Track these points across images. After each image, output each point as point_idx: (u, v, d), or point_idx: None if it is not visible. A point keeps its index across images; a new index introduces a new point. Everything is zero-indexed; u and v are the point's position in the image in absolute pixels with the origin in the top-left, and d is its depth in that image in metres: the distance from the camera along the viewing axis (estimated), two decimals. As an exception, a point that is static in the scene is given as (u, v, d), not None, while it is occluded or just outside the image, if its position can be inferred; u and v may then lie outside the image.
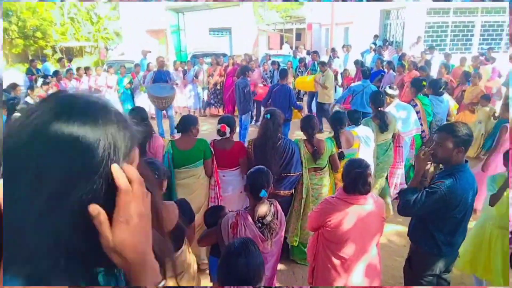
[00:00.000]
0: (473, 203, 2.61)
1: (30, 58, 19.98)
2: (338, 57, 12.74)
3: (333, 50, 13.32)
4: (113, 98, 10.15)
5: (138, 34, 20.81)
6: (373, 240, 2.66)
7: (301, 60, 11.91)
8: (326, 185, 4.01)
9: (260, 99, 8.99)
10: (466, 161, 2.58)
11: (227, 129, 3.89)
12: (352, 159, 2.78)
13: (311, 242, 2.85)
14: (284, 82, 7.25)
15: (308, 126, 3.93)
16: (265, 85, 9.87)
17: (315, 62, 10.72)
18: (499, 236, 3.15)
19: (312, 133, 3.91)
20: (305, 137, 3.99)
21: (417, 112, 5.31)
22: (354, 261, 2.60)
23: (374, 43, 14.47)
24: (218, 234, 2.59)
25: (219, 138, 3.99)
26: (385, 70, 9.87)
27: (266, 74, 11.16)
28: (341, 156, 4.03)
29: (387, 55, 12.63)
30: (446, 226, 2.55)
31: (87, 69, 10.42)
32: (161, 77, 8.52)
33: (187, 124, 3.85)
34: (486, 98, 6.93)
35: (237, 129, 7.99)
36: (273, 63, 11.50)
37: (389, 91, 5.36)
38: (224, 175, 3.99)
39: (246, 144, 4.14)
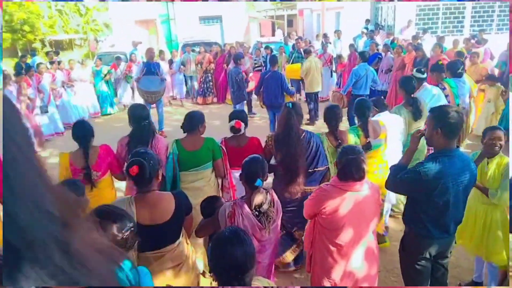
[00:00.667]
0: (465, 189, 2.55)
1: (20, 53, 19.71)
2: (330, 43, 12.68)
3: (325, 35, 13.25)
4: (88, 91, 10.30)
5: (128, 25, 20.59)
6: (369, 226, 2.68)
7: (294, 46, 11.79)
8: None
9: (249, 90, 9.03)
10: (457, 147, 2.57)
11: (242, 125, 3.61)
12: (346, 146, 2.77)
13: (308, 230, 2.87)
14: (275, 69, 7.27)
15: (331, 117, 3.71)
16: (257, 71, 9.85)
17: (300, 49, 10.65)
18: (482, 211, 3.27)
19: (336, 124, 3.70)
20: (327, 129, 3.77)
21: (445, 96, 5.12)
22: (351, 247, 2.62)
23: (366, 28, 14.40)
24: (215, 224, 2.59)
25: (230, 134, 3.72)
26: (382, 53, 9.93)
27: (259, 59, 11.13)
28: (368, 147, 3.74)
29: (379, 40, 12.60)
30: (430, 208, 2.55)
31: (59, 62, 10.30)
32: (150, 69, 8.22)
33: (194, 122, 3.51)
34: (492, 77, 6.94)
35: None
36: (266, 47, 11.55)
37: (417, 74, 5.04)
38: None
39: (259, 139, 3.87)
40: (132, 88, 11.08)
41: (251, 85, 8.89)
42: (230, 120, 3.65)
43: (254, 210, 2.51)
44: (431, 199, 2.50)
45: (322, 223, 2.65)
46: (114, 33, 22.43)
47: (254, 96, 9.02)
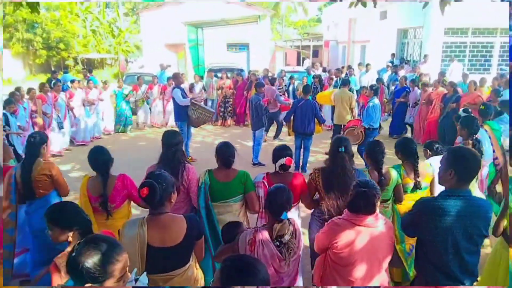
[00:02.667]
0: (471, 236, 2.38)
1: (53, 68, 20.51)
2: (354, 75, 12.78)
3: (349, 67, 13.37)
4: (107, 111, 10.65)
5: (158, 47, 21.24)
6: (382, 263, 2.61)
7: (316, 76, 12.04)
8: (389, 217, 3.63)
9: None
10: (468, 190, 2.41)
11: (293, 163, 3.55)
12: (360, 180, 2.74)
13: (318, 264, 2.82)
14: (307, 97, 7.51)
15: (376, 152, 3.63)
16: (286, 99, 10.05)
17: (338, 78, 10.96)
18: (503, 254, 3.13)
19: (381, 160, 3.60)
20: (371, 165, 3.68)
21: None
22: (362, 284, 2.56)
23: (391, 62, 14.46)
24: (235, 250, 2.58)
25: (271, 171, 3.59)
26: (410, 87, 10.19)
27: (281, 87, 11.45)
28: (417, 186, 3.64)
29: (402, 74, 12.64)
30: (435, 252, 2.43)
31: (88, 81, 10.65)
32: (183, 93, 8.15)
33: (230, 156, 3.47)
34: None
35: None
36: (291, 77, 11.80)
37: (463, 114, 4.95)
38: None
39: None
40: (151, 109, 11.66)
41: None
42: (275, 156, 3.51)
43: (275, 240, 2.48)
44: (432, 241, 2.42)
45: (333, 258, 2.60)
46: (144, 55, 23.16)
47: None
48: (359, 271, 2.53)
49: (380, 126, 9.68)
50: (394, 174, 3.60)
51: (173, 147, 3.51)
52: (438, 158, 3.85)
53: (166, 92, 11.36)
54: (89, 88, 10.23)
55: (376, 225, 2.54)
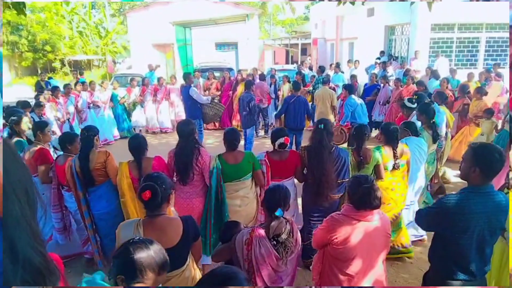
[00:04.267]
0: (493, 232, 2.44)
1: (39, 71, 20.24)
2: (343, 72, 12.83)
3: (337, 65, 13.42)
4: (106, 115, 10.20)
5: (145, 48, 21.11)
6: (379, 257, 2.65)
7: (299, 73, 11.81)
8: None
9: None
10: (490, 185, 2.42)
11: (289, 141, 4.09)
12: (357, 175, 2.77)
13: (316, 260, 2.84)
14: (298, 94, 7.73)
15: (358, 136, 4.14)
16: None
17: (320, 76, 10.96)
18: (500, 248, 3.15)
19: (362, 143, 4.11)
20: (354, 145, 4.18)
21: None
22: (361, 278, 2.59)
23: (379, 58, 14.56)
24: (232, 250, 2.58)
25: (271, 150, 4.15)
26: (381, 84, 10.01)
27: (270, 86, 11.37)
28: (396, 166, 4.20)
29: (391, 70, 12.72)
30: (453, 246, 2.46)
31: (83, 83, 10.35)
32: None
33: (235, 140, 3.96)
34: (489, 112, 7.10)
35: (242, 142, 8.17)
36: (285, 76, 11.72)
37: (408, 104, 5.80)
38: None
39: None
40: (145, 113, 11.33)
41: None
42: (274, 137, 4.07)
43: (272, 239, 2.49)
44: (453, 236, 2.42)
45: (332, 254, 2.63)
46: (132, 55, 23.01)
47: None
48: (358, 265, 2.57)
49: (373, 122, 9.84)
50: (375, 154, 4.07)
51: (187, 134, 3.85)
52: (414, 139, 4.52)
53: (157, 93, 11.14)
54: (85, 91, 10.01)
55: (373, 219, 2.58)
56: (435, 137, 4.92)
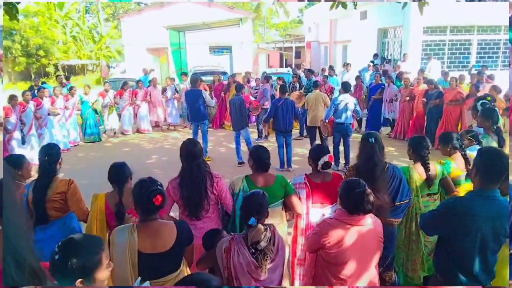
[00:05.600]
0: (497, 237, 2.38)
1: (33, 76, 20.16)
2: (336, 75, 12.92)
3: (331, 67, 13.49)
4: (70, 120, 10.06)
5: (140, 52, 21.10)
6: (372, 260, 2.65)
7: (295, 75, 12.10)
8: None
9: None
10: (496, 190, 2.38)
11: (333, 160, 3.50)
12: (348, 180, 2.76)
13: (309, 264, 2.84)
14: (285, 97, 7.82)
15: (421, 147, 3.57)
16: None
17: (310, 80, 11.01)
18: None
19: (426, 154, 3.55)
20: (416, 160, 3.61)
21: None
22: (354, 282, 2.59)
23: (372, 61, 14.66)
24: (213, 258, 2.55)
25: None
26: (386, 83, 10.35)
27: (259, 88, 11.46)
28: (466, 177, 3.72)
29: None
30: (456, 250, 2.44)
31: (54, 89, 10.12)
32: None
33: (266, 159, 3.38)
34: (508, 109, 7.09)
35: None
36: (278, 79, 11.80)
37: (480, 107, 5.21)
38: (324, 213, 3.33)
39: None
40: (119, 115, 11.45)
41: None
42: (315, 155, 3.41)
43: (251, 247, 2.43)
44: (456, 238, 2.41)
45: (325, 258, 2.62)
46: (126, 60, 22.98)
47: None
48: (351, 269, 2.56)
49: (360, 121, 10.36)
50: (438, 168, 3.61)
51: (197, 157, 3.26)
52: (477, 147, 3.97)
53: (137, 96, 11.36)
54: (72, 96, 10.04)
55: (366, 223, 2.57)
56: (501, 142, 4.46)
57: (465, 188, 3.61)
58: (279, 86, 9.42)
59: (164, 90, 12.03)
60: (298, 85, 11.60)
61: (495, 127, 4.52)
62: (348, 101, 7.57)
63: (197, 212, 3.19)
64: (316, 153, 3.44)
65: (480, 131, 4.88)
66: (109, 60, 29.47)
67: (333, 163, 3.60)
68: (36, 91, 9.87)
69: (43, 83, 13.90)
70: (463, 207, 2.36)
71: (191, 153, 3.24)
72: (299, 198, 3.37)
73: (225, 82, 12.05)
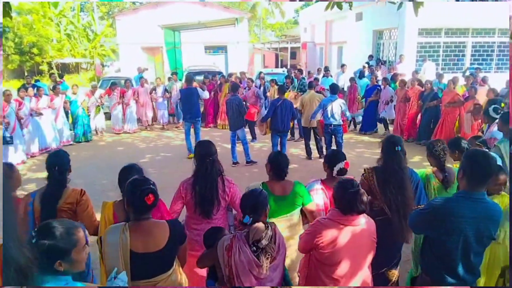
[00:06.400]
0: (480, 238, 2.40)
1: (26, 74, 20.01)
2: (331, 76, 12.96)
3: (326, 68, 13.53)
4: (56, 120, 9.84)
5: (134, 51, 21.01)
6: (365, 260, 2.66)
7: (288, 76, 12.10)
8: None
9: (251, 118, 9.52)
10: (482, 192, 2.39)
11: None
12: (341, 180, 2.76)
13: (302, 264, 2.83)
14: (284, 97, 7.87)
15: (438, 150, 3.54)
16: (253, 106, 10.25)
17: (299, 80, 11.08)
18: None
19: (444, 158, 3.54)
20: (433, 165, 3.59)
21: None
22: (347, 282, 2.59)
23: (368, 63, 14.71)
24: (214, 256, 2.54)
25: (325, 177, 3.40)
26: (381, 85, 10.50)
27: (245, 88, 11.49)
28: None
29: (380, 75, 12.91)
30: (440, 249, 2.47)
31: (38, 88, 9.94)
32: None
33: (285, 167, 3.28)
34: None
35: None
36: (271, 80, 11.90)
37: (493, 114, 5.10)
38: None
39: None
40: (106, 114, 11.44)
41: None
42: (331, 161, 3.36)
43: (252, 245, 2.43)
44: (440, 238, 2.43)
45: (319, 258, 2.61)
46: (120, 58, 22.88)
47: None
48: (344, 269, 2.56)
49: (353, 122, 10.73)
50: (455, 171, 3.47)
51: (209, 158, 3.22)
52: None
53: (125, 95, 11.39)
54: (56, 95, 9.90)
55: (359, 223, 2.58)
56: None
57: None
58: (277, 86, 9.43)
59: (153, 90, 12.04)
60: (290, 86, 11.60)
61: None
62: (336, 102, 7.70)
63: (209, 210, 3.16)
64: (332, 159, 3.37)
65: (495, 136, 4.75)
66: (103, 59, 29.33)
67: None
68: (36, 88, 9.80)
69: (37, 81, 13.79)
70: (448, 208, 2.38)
71: (205, 153, 3.24)
72: (317, 206, 3.28)
73: (214, 83, 12.15)
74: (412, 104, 9.69)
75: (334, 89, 8.05)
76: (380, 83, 10.80)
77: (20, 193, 3.43)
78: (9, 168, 3.14)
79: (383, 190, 3.15)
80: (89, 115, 10.87)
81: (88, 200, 3.14)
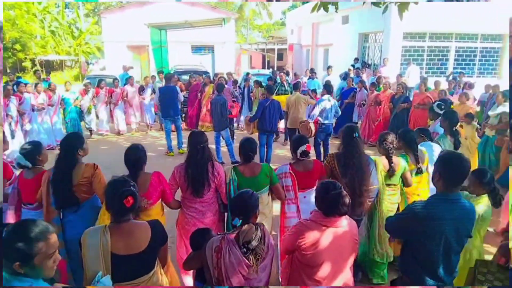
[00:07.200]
0: (459, 239, 2.48)
1: (8, 70, 19.63)
2: (317, 78, 13.01)
3: (312, 70, 13.59)
4: (54, 118, 9.74)
5: (120, 49, 20.81)
6: (347, 262, 2.66)
7: (270, 78, 11.75)
8: (397, 201, 4.15)
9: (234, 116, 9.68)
10: (458, 193, 2.48)
11: (311, 149, 3.87)
12: (324, 182, 2.77)
13: (284, 265, 2.83)
14: (272, 97, 7.89)
15: (387, 143, 3.97)
16: (234, 101, 10.28)
17: (283, 82, 11.02)
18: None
19: (392, 150, 3.96)
20: (381, 154, 4.03)
21: None
22: (329, 283, 2.59)
23: (353, 65, 14.83)
24: (202, 258, 2.52)
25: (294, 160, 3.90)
26: (357, 88, 10.46)
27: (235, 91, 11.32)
28: (419, 171, 4.16)
29: (365, 77, 13.00)
30: (421, 253, 2.50)
31: (36, 85, 9.73)
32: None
33: (250, 151, 3.74)
34: (470, 116, 7.30)
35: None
36: (255, 82, 11.75)
37: (437, 110, 5.84)
38: (305, 196, 3.84)
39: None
40: (98, 115, 11.10)
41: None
42: (295, 145, 3.82)
43: (242, 247, 2.44)
44: (421, 242, 2.46)
45: (301, 260, 2.61)
46: (106, 56, 22.62)
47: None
48: (326, 271, 2.57)
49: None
50: (402, 162, 3.99)
51: (200, 145, 3.59)
52: (429, 144, 4.50)
53: (112, 95, 11.02)
54: (53, 92, 9.67)
55: (341, 224, 2.58)
56: (457, 144, 4.88)
57: (416, 180, 4.16)
58: (265, 87, 9.44)
59: (141, 89, 11.71)
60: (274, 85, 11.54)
61: (453, 129, 4.95)
62: (331, 101, 7.88)
63: (200, 191, 3.50)
64: (295, 143, 3.85)
65: (437, 131, 5.28)
66: (88, 57, 28.98)
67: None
68: (15, 86, 9.59)
69: (19, 77, 13.54)
70: (428, 211, 2.42)
71: (197, 141, 3.59)
72: (285, 187, 3.76)
73: (199, 83, 11.82)
74: (384, 108, 9.53)
75: (329, 89, 8.23)
76: (356, 85, 10.68)
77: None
78: (40, 145, 3.74)
79: (343, 172, 3.68)
80: (83, 115, 10.51)
81: (101, 173, 3.49)
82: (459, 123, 5.35)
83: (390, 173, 3.93)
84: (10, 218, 3.62)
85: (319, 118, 7.89)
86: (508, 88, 8.86)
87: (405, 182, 4.08)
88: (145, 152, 3.49)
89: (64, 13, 28.14)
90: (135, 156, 3.38)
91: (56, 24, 27.73)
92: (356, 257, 2.77)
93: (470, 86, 10.67)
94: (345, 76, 12.37)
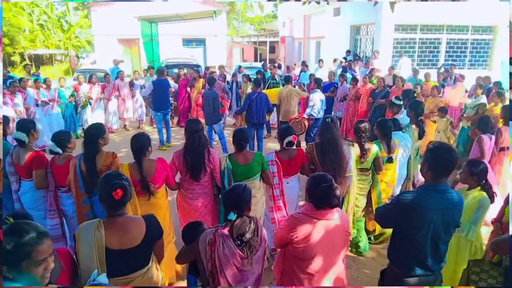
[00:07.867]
0: (447, 228, 2.52)
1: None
2: (308, 71, 12.98)
3: (303, 63, 13.56)
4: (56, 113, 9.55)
5: (110, 42, 20.60)
6: (339, 255, 2.68)
7: (259, 72, 11.44)
8: (367, 185, 4.49)
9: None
10: (446, 184, 2.51)
11: (297, 139, 4.19)
12: (315, 175, 2.78)
13: (278, 259, 2.85)
14: (259, 90, 7.92)
15: (360, 130, 4.27)
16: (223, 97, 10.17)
17: (274, 76, 10.95)
18: (454, 243, 3.32)
19: (365, 137, 4.26)
20: (355, 141, 4.35)
21: None
22: (322, 276, 2.61)
23: (345, 58, 14.83)
24: (195, 251, 2.53)
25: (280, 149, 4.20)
26: (339, 82, 10.18)
27: (225, 85, 11.19)
28: (390, 160, 4.46)
29: (357, 70, 13.00)
30: (410, 242, 2.54)
31: (35, 80, 9.56)
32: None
33: (242, 140, 4.00)
34: (443, 109, 7.33)
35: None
36: (244, 76, 11.51)
37: (396, 101, 6.18)
38: (288, 182, 4.22)
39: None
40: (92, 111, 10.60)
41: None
42: (282, 135, 4.10)
43: (236, 239, 2.45)
44: (410, 232, 2.49)
45: (294, 253, 2.63)
46: (96, 50, 22.39)
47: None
48: (318, 264, 2.59)
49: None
50: (374, 148, 4.31)
51: (197, 133, 3.85)
52: (400, 133, 4.79)
53: (105, 90, 10.58)
54: (48, 88, 9.40)
55: (333, 217, 2.60)
56: (421, 134, 5.20)
57: (385, 167, 4.49)
58: (253, 80, 9.36)
59: (132, 84, 11.26)
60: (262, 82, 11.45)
61: (418, 119, 5.25)
62: (322, 96, 7.99)
63: (198, 175, 3.81)
64: (282, 133, 4.14)
65: (403, 122, 5.50)
66: (78, 50, 28.63)
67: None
68: (35, 80, 9.43)
69: (8, 72, 13.35)
70: (417, 201, 2.45)
71: (194, 129, 3.85)
72: (272, 173, 4.06)
73: (189, 77, 11.49)
74: (362, 102, 9.17)
75: (320, 83, 8.37)
76: (338, 79, 10.32)
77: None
78: (69, 134, 4.10)
79: (322, 160, 4.01)
80: (77, 111, 10.10)
81: (119, 161, 3.82)
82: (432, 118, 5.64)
83: (362, 158, 4.24)
84: (52, 201, 4.02)
85: (313, 113, 7.95)
86: (499, 80, 8.96)
87: (376, 167, 4.39)
88: (150, 140, 3.75)
89: (53, 6, 27.73)
90: (140, 142, 3.63)
91: (45, 18, 27.31)
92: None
93: (462, 77, 10.69)
94: (343, 70, 12.09)
